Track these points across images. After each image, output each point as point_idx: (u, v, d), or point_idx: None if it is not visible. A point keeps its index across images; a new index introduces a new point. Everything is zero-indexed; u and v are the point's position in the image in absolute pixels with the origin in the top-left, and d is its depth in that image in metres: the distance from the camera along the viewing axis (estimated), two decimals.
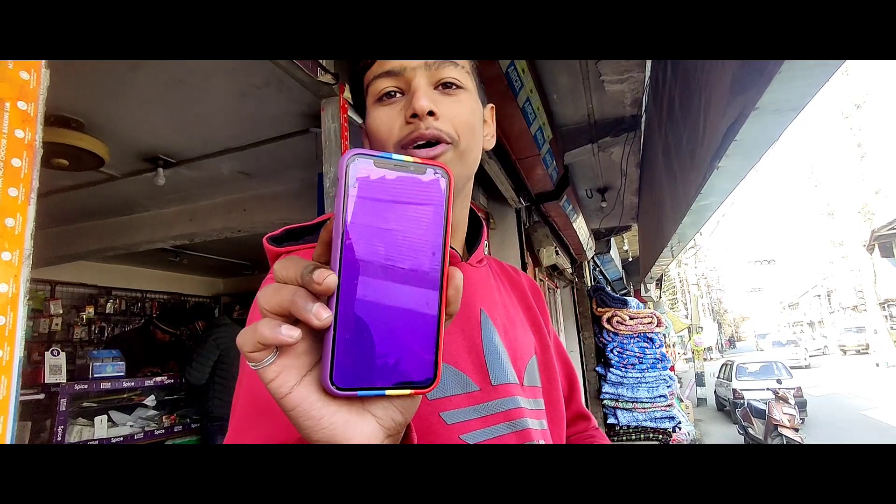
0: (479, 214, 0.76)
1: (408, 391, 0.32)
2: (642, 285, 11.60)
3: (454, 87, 0.61)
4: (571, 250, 5.98)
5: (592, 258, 7.30)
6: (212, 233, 4.67)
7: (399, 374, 0.31)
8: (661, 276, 15.23)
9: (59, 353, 3.31)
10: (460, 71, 0.62)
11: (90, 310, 6.38)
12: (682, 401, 10.46)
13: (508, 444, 0.59)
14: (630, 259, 10.81)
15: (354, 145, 1.89)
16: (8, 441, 0.80)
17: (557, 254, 5.25)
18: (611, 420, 6.16)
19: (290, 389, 0.31)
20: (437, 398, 0.57)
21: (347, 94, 1.86)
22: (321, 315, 0.29)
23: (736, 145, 1.74)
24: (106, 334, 6.45)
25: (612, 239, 7.56)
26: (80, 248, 5.12)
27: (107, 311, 6.64)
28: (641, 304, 6.50)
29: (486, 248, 0.78)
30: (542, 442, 0.65)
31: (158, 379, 3.85)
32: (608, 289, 7.10)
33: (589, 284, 6.89)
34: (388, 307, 0.31)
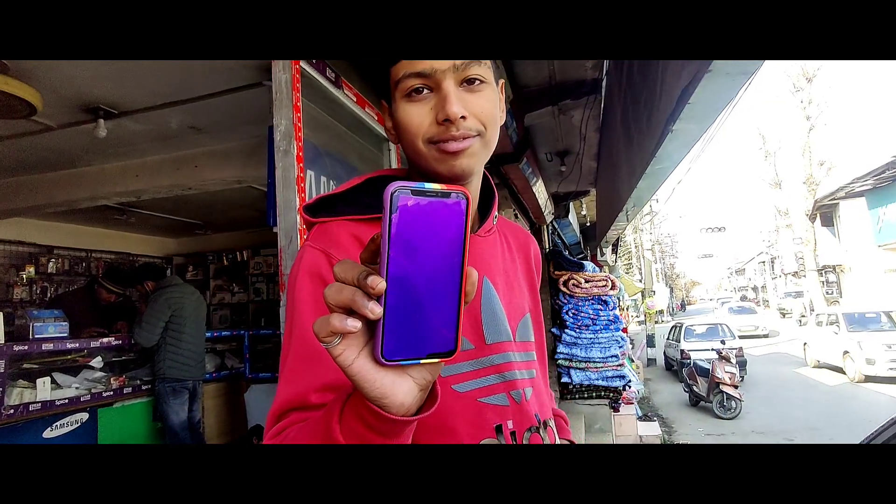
0: (493, 181, 0.84)
1: (436, 360, 0.43)
2: (598, 249, 11.86)
3: (478, 82, 0.67)
4: (530, 214, 6.02)
5: (551, 222, 7.39)
6: (160, 190, 4.47)
7: (430, 347, 0.42)
8: (618, 240, 15.62)
9: None
10: (483, 67, 0.67)
11: (30, 269, 6.07)
12: (633, 361, 10.92)
13: (497, 396, 0.72)
14: (588, 224, 11.00)
15: (308, 97, 1.82)
16: None
17: (517, 217, 5.29)
18: (564, 379, 6.35)
19: (352, 362, 0.41)
20: None
21: None
22: (375, 310, 0.39)
23: (690, 108, 1.76)
24: (49, 295, 6.18)
25: (571, 203, 7.65)
26: (16, 203, 4.82)
27: (49, 271, 6.33)
28: (597, 268, 6.65)
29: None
30: (529, 390, 0.77)
31: (105, 340, 3.73)
32: (566, 253, 7.21)
33: (547, 248, 6.98)
34: (421, 300, 0.41)
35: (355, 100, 2.32)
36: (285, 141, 1.61)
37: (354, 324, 0.40)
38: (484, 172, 0.80)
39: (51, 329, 3.35)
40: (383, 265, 0.40)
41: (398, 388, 0.43)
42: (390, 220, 0.40)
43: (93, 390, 3.53)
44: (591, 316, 6.25)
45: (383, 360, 0.41)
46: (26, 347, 3.17)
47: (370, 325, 0.42)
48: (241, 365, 4.86)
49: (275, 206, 1.72)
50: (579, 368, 6.28)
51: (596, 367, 6.19)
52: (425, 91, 0.66)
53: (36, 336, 3.25)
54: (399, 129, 0.70)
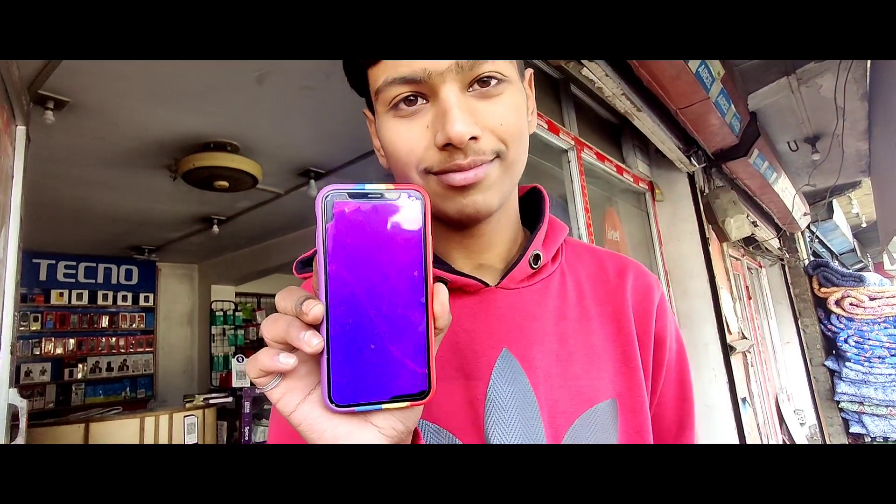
0: (553, 218, 0.60)
1: (404, 404, 0.34)
2: (885, 256, 9.26)
3: (495, 82, 0.47)
4: (775, 218, 4.88)
5: (808, 227, 5.98)
6: None
7: (394, 388, 0.34)
8: None
9: (243, 360, 3.63)
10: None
11: None
12: None
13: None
14: (864, 225, 8.70)
15: None
16: None
17: (756, 225, 4.30)
18: (855, 428, 4.95)
19: (295, 408, 0.35)
20: None
21: None
22: (312, 342, 0.32)
23: None
24: None
25: (835, 201, 6.08)
26: (270, 263, 5.75)
27: None
28: (886, 281, 5.12)
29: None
30: None
31: None
32: (834, 263, 5.76)
33: (806, 260, 5.63)
34: (377, 328, 0.34)
35: None
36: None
37: (287, 360, 0.33)
38: (539, 193, 0.59)
39: None
40: (321, 287, 0.33)
41: (356, 439, 0.35)
42: (324, 232, 0.33)
43: None
44: (887, 344, 4.82)
45: (332, 406, 0.33)
46: None
47: (317, 362, 0.35)
48: None
49: None
50: (878, 416, 4.83)
51: None
52: (419, 101, 0.47)
53: None
54: (386, 152, 0.51)
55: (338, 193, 0.33)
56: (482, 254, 0.55)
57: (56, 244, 5.21)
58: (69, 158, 3.23)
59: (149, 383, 5.90)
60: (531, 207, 0.60)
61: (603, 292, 0.58)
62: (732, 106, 2.63)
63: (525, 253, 0.54)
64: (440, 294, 0.35)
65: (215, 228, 4.66)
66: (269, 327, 0.34)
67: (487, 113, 0.47)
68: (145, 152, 3.23)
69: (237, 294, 6.53)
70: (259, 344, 6.70)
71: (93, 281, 5.63)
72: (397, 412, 0.36)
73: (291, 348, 0.33)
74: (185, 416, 3.04)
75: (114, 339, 5.71)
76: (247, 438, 3.37)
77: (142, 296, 5.98)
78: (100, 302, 5.64)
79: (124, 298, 5.84)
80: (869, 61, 3.18)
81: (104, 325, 5.65)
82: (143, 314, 5.97)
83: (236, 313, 6.33)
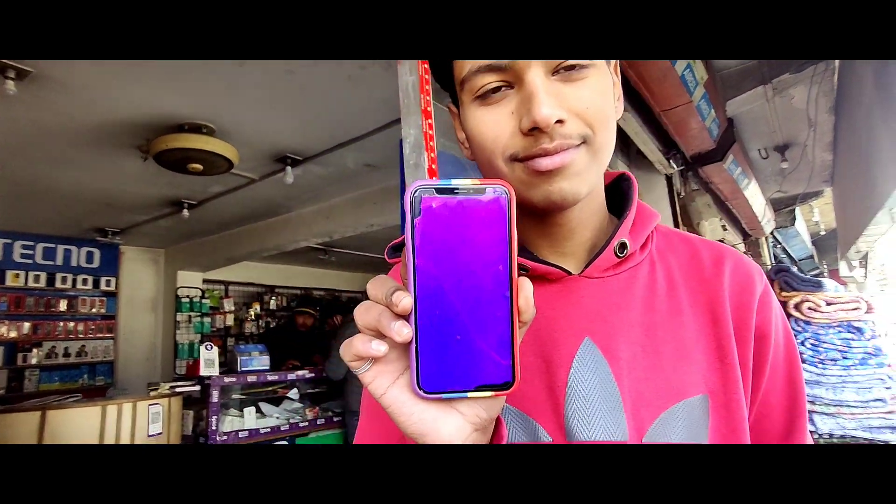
0: (642, 205, 0.58)
1: (489, 393, 0.36)
2: (843, 264, 9.66)
3: (579, 67, 0.47)
4: (743, 224, 5.03)
5: (772, 233, 6.17)
6: (346, 228, 4.76)
7: (479, 378, 0.35)
8: (867, 252, 12.62)
9: (211, 348, 3.54)
10: None
11: (256, 306, 7.01)
12: None
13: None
14: (822, 233, 9.05)
15: (439, 101, 1.59)
16: None
17: (725, 228, 4.42)
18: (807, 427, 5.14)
19: (385, 391, 0.36)
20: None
21: None
22: (402, 332, 0.34)
23: None
24: (270, 328, 7.05)
25: (798, 209, 6.30)
26: (240, 250, 5.61)
27: (271, 307, 7.25)
28: (841, 287, 5.33)
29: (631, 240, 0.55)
30: None
31: (300, 373, 3.97)
32: (794, 269, 5.95)
33: (769, 265, 5.81)
34: (463, 320, 0.35)
35: None
36: (415, 153, 1.38)
37: (379, 347, 0.35)
38: (627, 179, 0.59)
39: (254, 363, 3.66)
40: (410, 280, 0.35)
41: (442, 425, 0.36)
42: (413, 226, 0.35)
43: (290, 420, 3.75)
44: (840, 347, 4.99)
45: (421, 393, 0.35)
46: (235, 379, 3.49)
47: (404, 348, 0.37)
48: None
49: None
50: (827, 414, 5.03)
51: (852, 414, 4.88)
52: (503, 89, 0.47)
53: (242, 368, 3.57)
54: (471, 140, 0.52)
55: (425, 189, 0.35)
56: (566, 242, 0.54)
57: (13, 222, 4.96)
58: (31, 133, 3.07)
59: (108, 370, 5.70)
60: (618, 194, 0.58)
61: (697, 283, 0.55)
62: (713, 111, 2.69)
63: (610, 241, 0.53)
64: (525, 288, 0.35)
65: (185, 212, 4.52)
66: (363, 315, 0.36)
67: (573, 97, 0.46)
68: (115, 131, 3.10)
69: (204, 281, 6.36)
70: (226, 332, 6.56)
71: (51, 262, 5.39)
72: (482, 401, 0.37)
73: (382, 335, 0.35)
74: (149, 405, 2.94)
75: (72, 323, 5.49)
76: (213, 428, 3.29)
77: (103, 279, 5.76)
78: (58, 285, 5.41)
79: (84, 282, 5.62)
80: (836, 76, 3.30)
81: (62, 308, 5.43)
82: (105, 298, 5.76)
83: (203, 300, 6.16)
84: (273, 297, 7.30)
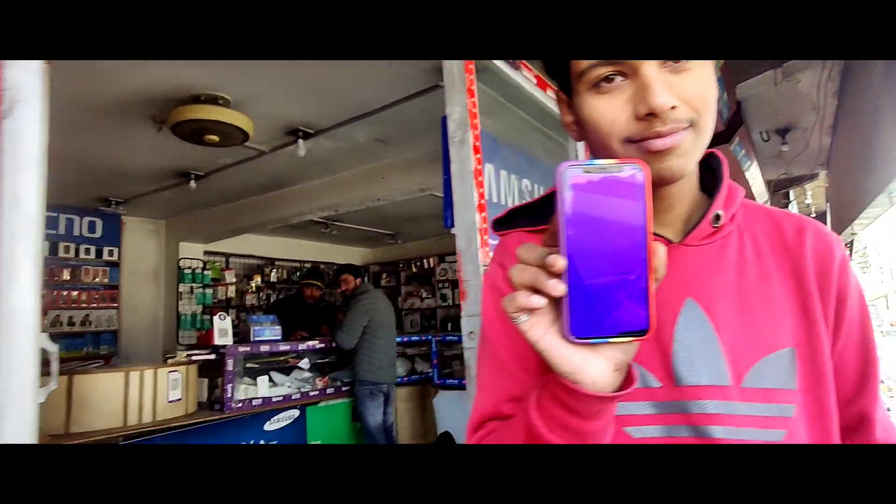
0: (731, 182, 0.65)
1: (628, 339, 0.43)
2: None
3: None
4: None
5: None
6: (353, 202, 4.80)
7: (621, 326, 0.42)
8: (854, 237, 12.89)
9: (225, 318, 3.60)
10: None
11: (257, 278, 7.05)
12: (883, 382, 8.84)
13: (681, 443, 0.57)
14: (812, 215, 9.22)
15: (483, 81, 1.64)
16: None
17: None
18: None
19: (540, 338, 0.43)
20: None
21: None
22: (558, 287, 0.41)
23: None
24: (271, 300, 7.11)
25: (792, 191, 6.43)
26: (244, 222, 5.61)
27: (271, 280, 7.30)
28: None
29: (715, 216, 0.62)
30: None
31: (311, 343, 4.05)
32: None
33: None
34: (607, 277, 0.41)
35: (535, 82, 2.08)
36: (460, 130, 1.44)
37: (539, 300, 0.42)
38: (716, 160, 0.65)
39: (267, 332, 3.73)
40: (562, 244, 0.41)
41: (590, 365, 0.43)
42: (563, 200, 0.41)
43: (301, 389, 3.85)
44: None
45: (572, 338, 0.42)
46: (249, 349, 3.57)
47: (557, 303, 0.43)
48: (429, 370, 4.96)
49: (451, 206, 1.57)
50: None
51: None
52: (618, 79, 0.54)
53: (255, 339, 3.65)
54: (586, 127, 0.58)
55: (574, 168, 0.41)
56: (666, 214, 0.61)
57: None
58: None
59: (112, 339, 5.74)
60: (706, 172, 0.65)
61: (781, 250, 0.63)
62: (725, 94, 2.76)
63: (707, 212, 0.60)
64: (658, 251, 0.42)
65: (192, 184, 4.52)
66: (520, 274, 0.43)
67: (681, 86, 0.53)
68: (129, 101, 3.09)
69: (206, 252, 6.37)
70: (227, 304, 6.60)
71: (53, 231, 5.37)
72: (622, 345, 0.43)
73: (537, 291, 0.42)
74: (168, 372, 3.01)
75: (75, 293, 5.51)
76: (229, 395, 3.38)
77: (105, 250, 5.75)
78: (61, 254, 5.40)
79: (87, 252, 5.60)
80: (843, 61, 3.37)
81: (66, 277, 5.43)
82: (107, 268, 5.76)
83: (205, 272, 6.19)
84: (273, 270, 7.34)
